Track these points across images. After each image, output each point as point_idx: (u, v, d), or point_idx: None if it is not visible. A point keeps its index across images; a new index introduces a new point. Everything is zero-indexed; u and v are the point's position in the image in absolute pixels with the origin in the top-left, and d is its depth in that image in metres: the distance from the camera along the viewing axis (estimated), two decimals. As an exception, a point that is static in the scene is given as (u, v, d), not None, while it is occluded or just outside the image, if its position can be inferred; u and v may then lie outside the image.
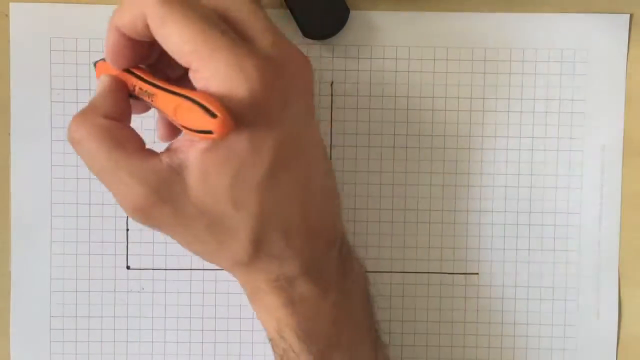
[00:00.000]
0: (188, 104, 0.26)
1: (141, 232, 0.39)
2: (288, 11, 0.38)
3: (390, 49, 0.39)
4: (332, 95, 0.39)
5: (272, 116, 0.28)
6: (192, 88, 0.28)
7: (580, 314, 0.40)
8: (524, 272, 0.39)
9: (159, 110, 0.29)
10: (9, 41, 0.38)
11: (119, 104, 0.30)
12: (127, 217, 0.39)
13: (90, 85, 0.39)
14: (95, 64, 0.32)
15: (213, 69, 0.27)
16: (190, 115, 0.26)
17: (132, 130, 0.30)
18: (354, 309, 0.33)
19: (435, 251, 0.39)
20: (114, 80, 0.30)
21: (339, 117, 0.39)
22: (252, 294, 0.32)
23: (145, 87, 0.29)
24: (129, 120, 0.31)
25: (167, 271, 0.39)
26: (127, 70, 0.30)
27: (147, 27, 0.27)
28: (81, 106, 0.38)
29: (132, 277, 0.39)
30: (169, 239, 0.39)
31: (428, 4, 0.39)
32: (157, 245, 0.39)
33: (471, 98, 0.39)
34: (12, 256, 0.39)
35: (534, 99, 0.39)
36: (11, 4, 0.38)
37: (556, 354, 0.40)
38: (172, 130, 0.33)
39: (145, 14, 0.27)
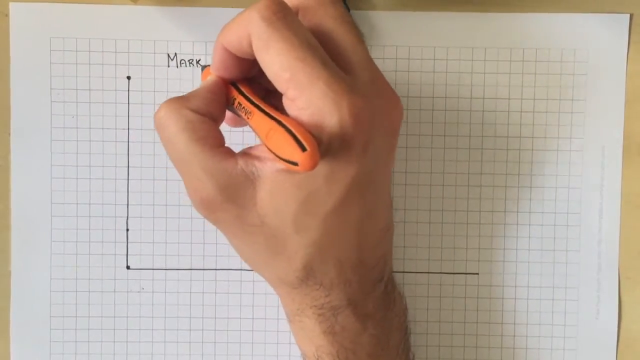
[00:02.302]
0: (281, 130, 0.27)
1: (141, 232, 0.39)
2: (288, 11, 0.38)
3: (390, 49, 0.39)
4: (332, 95, 0.39)
5: (355, 153, 0.28)
6: None
7: (580, 314, 0.40)
8: (524, 272, 0.39)
9: (252, 129, 0.29)
10: (9, 41, 0.38)
11: (212, 105, 0.30)
12: (127, 217, 0.39)
13: (90, 86, 0.39)
14: (203, 67, 0.33)
15: (308, 100, 0.27)
16: (280, 142, 0.26)
17: (216, 128, 0.30)
18: (391, 343, 0.33)
19: (435, 251, 0.39)
20: (217, 83, 0.31)
21: (339, 117, 0.39)
22: (292, 315, 0.32)
23: (245, 103, 0.30)
24: (217, 123, 0.31)
25: (167, 271, 0.39)
26: (232, 83, 0.31)
27: (251, 46, 0.28)
28: (81, 106, 0.39)
29: (132, 277, 0.39)
30: (169, 239, 0.39)
31: (428, 4, 0.39)
32: (157, 245, 0.39)
33: (471, 98, 0.39)
34: (12, 256, 0.39)
35: (534, 99, 0.39)
36: (11, 4, 0.38)
37: (556, 354, 0.40)
38: (239, 120, 0.34)
39: (250, 34, 0.27)
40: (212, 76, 0.31)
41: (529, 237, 0.39)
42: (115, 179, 0.39)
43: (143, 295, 0.39)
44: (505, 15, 0.39)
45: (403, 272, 0.39)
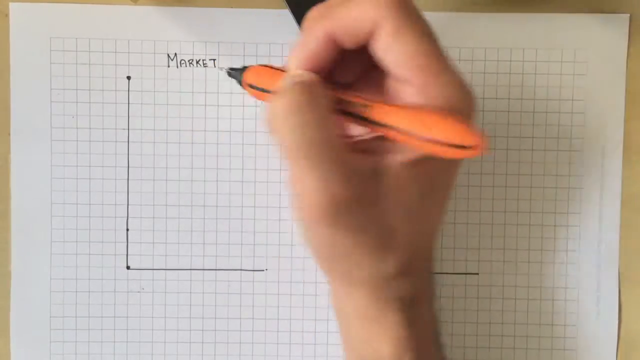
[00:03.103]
0: (435, 118, 0.26)
1: (141, 232, 0.39)
2: (288, 11, 0.38)
3: (390, 49, 0.39)
4: (332, 95, 0.39)
5: None
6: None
7: (580, 314, 0.40)
8: (524, 272, 0.39)
9: (367, 124, 0.28)
10: (9, 41, 0.38)
11: (329, 99, 0.28)
12: (127, 217, 0.39)
13: (90, 86, 0.39)
14: (239, 70, 0.32)
15: (441, 86, 0.27)
16: (440, 129, 0.26)
17: (338, 122, 0.29)
18: (436, 332, 0.33)
19: (435, 251, 0.39)
20: (314, 79, 0.28)
21: (339, 117, 0.39)
22: (372, 311, 0.30)
23: (354, 99, 0.28)
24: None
25: (167, 271, 0.39)
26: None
27: (369, 34, 0.27)
28: (81, 106, 0.39)
29: (132, 277, 0.39)
30: (169, 239, 0.39)
31: (428, 5, 0.39)
32: (157, 245, 0.39)
33: (471, 98, 0.39)
34: (12, 256, 0.39)
35: (534, 99, 0.39)
36: (11, 4, 0.38)
37: (556, 354, 0.40)
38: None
39: (378, 20, 0.26)
40: (306, 72, 0.28)
41: (529, 237, 0.39)
42: (115, 179, 0.39)
43: (143, 296, 0.39)
44: (505, 15, 0.39)
45: (403, 272, 0.39)
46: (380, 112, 0.27)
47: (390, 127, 0.27)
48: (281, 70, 0.30)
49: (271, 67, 0.31)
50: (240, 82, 0.33)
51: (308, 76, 0.28)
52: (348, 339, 0.32)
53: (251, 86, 0.31)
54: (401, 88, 0.28)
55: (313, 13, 0.29)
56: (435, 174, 0.28)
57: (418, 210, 0.28)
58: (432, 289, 0.32)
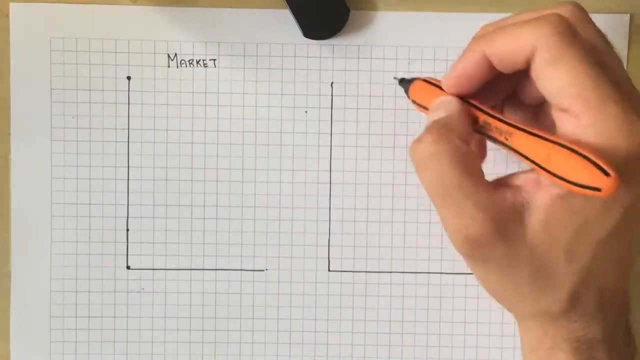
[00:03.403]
0: (568, 153, 0.25)
1: (141, 232, 0.39)
2: (288, 11, 0.38)
3: (390, 49, 0.39)
4: (332, 95, 0.39)
5: (633, 178, 0.26)
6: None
7: (580, 314, 0.39)
8: (524, 272, 0.39)
9: (509, 150, 0.28)
10: (9, 41, 0.38)
11: (469, 130, 0.28)
12: (127, 217, 0.39)
13: (91, 86, 0.39)
14: (407, 81, 0.32)
15: (595, 119, 0.25)
16: (571, 167, 0.25)
17: (478, 158, 0.29)
18: None
19: (435, 251, 0.39)
20: (461, 103, 0.29)
21: (339, 117, 0.39)
22: (543, 350, 0.30)
23: (496, 123, 0.28)
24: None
25: (167, 271, 0.39)
26: (465, 100, 0.29)
27: (526, 61, 0.27)
28: (81, 106, 0.39)
29: (132, 277, 0.39)
30: (169, 239, 0.39)
31: (428, 4, 0.39)
32: (157, 245, 0.39)
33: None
34: (12, 256, 0.39)
35: (534, 99, 0.39)
36: (11, 4, 0.38)
37: (556, 354, 0.40)
38: (483, 154, 0.32)
39: (536, 46, 0.26)
40: (449, 97, 0.29)
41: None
42: (115, 179, 0.39)
43: (143, 295, 0.39)
44: (505, 15, 0.39)
45: (403, 272, 0.39)
46: (521, 141, 0.27)
47: (528, 158, 0.27)
48: (438, 87, 0.30)
49: (430, 83, 0.31)
50: (407, 94, 0.33)
51: (453, 106, 0.29)
52: None
53: (413, 101, 0.32)
54: (561, 117, 0.27)
55: (478, 32, 0.29)
56: (591, 212, 0.27)
57: (577, 247, 0.27)
58: (625, 336, 0.31)
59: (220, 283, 0.39)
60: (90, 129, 0.39)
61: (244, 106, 0.39)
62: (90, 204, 0.39)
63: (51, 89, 0.39)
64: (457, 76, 0.29)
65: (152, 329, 0.39)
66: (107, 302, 0.39)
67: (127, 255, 0.39)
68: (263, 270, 0.39)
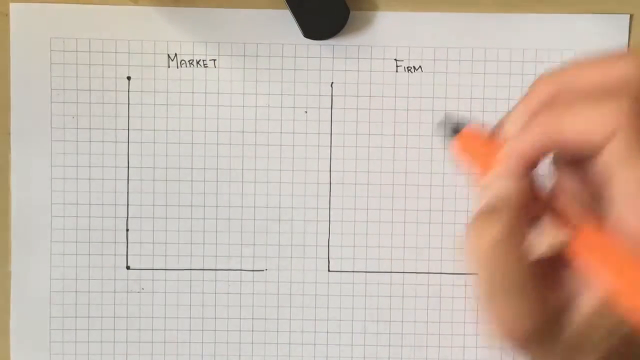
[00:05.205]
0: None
1: (141, 232, 0.39)
2: (288, 11, 0.38)
3: (390, 49, 0.39)
4: (332, 95, 0.39)
5: None
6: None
7: (580, 314, 0.40)
8: (524, 272, 0.39)
9: (570, 247, 0.24)
10: (9, 41, 0.38)
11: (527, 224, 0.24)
12: (127, 217, 0.39)
13: (91, 86, 0.39)
14: (453, 130, 0.26)
15: None
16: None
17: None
18: None
19: (435, 251, 0.39)
20: (527, 197, 0.24)
21: (339, 117, 0.39)
22: None
23: (561, 219, 0.24)
24: None
25: (167, 271, 0.39)
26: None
27: (598, 147, 0.21)
28: (81, 106, 0.39)
29: (132, 277, 0.39)
30: (169, 239, 0.39)
31: (428, 4, 0.39)
32: (157, 245, 0.39)
33: (471, 98, 0.39)
34: (12, 256, 0.39)
35: (534, 99, 0.39)
36: (11, 4, 0.38)
37: (556, 354, 0.40)
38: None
39: (613, 132, 0.21)
40: (517, 184, 0.24)
41: (529, 237, 0.39)
42: (115, 179, 0.39)
43: (143, 296, 0.39)
44: (505, 15, 0.39)
45: (403, 272, 0.39)
46: (584, 243, 0.23)
47: (588, 264, 0.23)
48: (493, 141, 0.25)
49: (481, 134, 0.25)
50: (448, 140, 0.27)
51: (513, 195, 0.24)
52: None
53: (457, 152, 0.27)
54: (629, 221, 0.22)
55: (541, 113, 0.23)
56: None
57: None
58: None
59: (220, 283, 0.39)
60: (90, 129, 0.39)
61: (244, 106, 0.39)
62: (90, 204, 0.39)
63: (51, 89, 0.39)
64: (524, 155, 0.24)
65: (152, 329, 0.39)
66: (107, 302, 0.39)
67: (127, 255, 0.39)
68: (263, 270, 0.39)
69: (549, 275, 0.25)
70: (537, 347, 0.26)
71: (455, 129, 0.26)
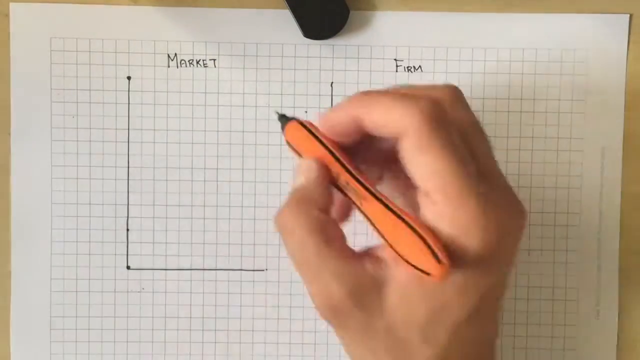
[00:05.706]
0: (411, 234, 0.25)
1: (141, 232, 0.39)
2: (288, 11, 0.38)
3: (390, 49, 0.39)
4: (332, 95, 0.39)
5: (489, 268, 0.27)
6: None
7: (580, 314, 0.40)
8: (524, 272, 0.39)
9: (362, 214, 0.27)
10: (9, 41, 0.38)
11: (327, 195, 0.28)
12: (127, 217, 0.39)
13: (91, 86, 0.39)
14: (284, 120, 0.30)
15: (453, 212, 0.26)
16: (409, 246, 0.25)
17: (339, 226, 0.29)
18: None
19: None
20: (323, 168, 0.28)
21: (339, 117, 0.39)
22: None
23: (355, 185, 0.27)
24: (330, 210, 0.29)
25: (167, 271, 0.39)
26: (331, 153, 0.28)
27: (395, 138, 0.26)
28: (81, 106, 0.39)
29: (132, 277, 0.39)
30: (169, 239, 0.39)
31: (428, 4, 0.39)
32: (157, 245, 0.39)
33: (471, 98, 0.39)
34: (12, 256, 0.39)
35: (534, 99, 0.39)
36: (11, 4, 0.38)
37: (556, 354, 0.40)
38: (347, 213, 0.32)
39: (403, 131, 0.26)
40: (311, 161, 0.28)
41: (529, 237, 0.39)
42: (116, 179, 0.39)
43: (143, 295, 0.39)
44: (505, 15, 0.39)
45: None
46: (372, 209, 0.27)
47: (376, 229, 0.27)
48: (313, 134, 0.29)
49: (304, 126, 0.29)
50: (282, 130, 0.31)
51: (313, 174, 0.28)
52: None
53: (288, 143, 0.30)
54: (423, 200, 0.27)
55: (358, 94, 0.28)
56: (446, 297, 0.27)
57: (432, 329, 0.27)
58: None
59: (220, 283, 0.39)
60: (90, 129, 0.39)
61: (244, 106, 0.39)
62: (90, 204, 0.39)
63: (51, 89, 0.39)
64: (329, 127, 0.28)
65: (152, 329, 0.39)
66: (107, 302, 0.39)
67: (127, 255, 0.39)
68: (263, 270, 0.39)
69: (365, 251, 0.28)
70: (350, 320, 0.27)
71: (286, 121, 0.30)
